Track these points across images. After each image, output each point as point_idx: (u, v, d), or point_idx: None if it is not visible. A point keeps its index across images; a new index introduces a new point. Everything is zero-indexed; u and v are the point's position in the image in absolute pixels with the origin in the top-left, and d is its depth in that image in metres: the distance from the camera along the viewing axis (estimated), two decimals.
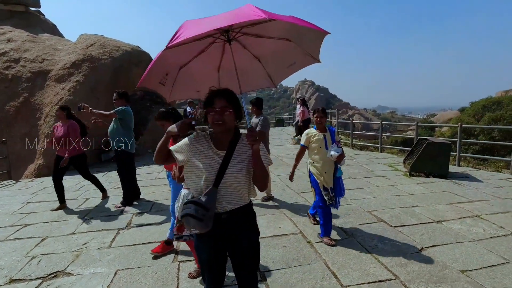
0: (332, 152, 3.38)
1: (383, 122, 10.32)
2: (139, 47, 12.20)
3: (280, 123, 23.20)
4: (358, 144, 11.69)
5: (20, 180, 7.87)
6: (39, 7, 14.68)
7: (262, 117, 4.97)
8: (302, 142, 3.70)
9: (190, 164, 1.62)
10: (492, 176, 6.52)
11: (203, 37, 2.08)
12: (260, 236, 1.78)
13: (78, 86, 9.31)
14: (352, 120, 12.25)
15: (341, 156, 3.39)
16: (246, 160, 1.63)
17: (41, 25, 13.84)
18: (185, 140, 1.66)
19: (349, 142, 11.33)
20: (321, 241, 3.48)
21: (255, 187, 1.70)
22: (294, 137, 12.76)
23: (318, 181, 3.52)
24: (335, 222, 4.05)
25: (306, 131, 3.73)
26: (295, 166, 3.79)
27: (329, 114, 16.99)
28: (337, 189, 3.52)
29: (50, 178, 7.76)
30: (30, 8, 14.08)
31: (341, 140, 11.87)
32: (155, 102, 12.60)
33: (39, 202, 5.65)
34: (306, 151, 3.72)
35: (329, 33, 2.04)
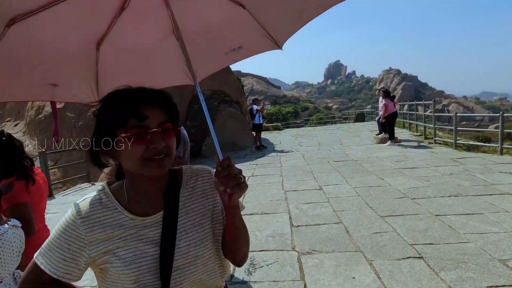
0: None
1: (492, 114, 7.82)
2: None
3: (360, 118, 20.90)
4: (464, 143, 9.24)
5: (95, 183, 8.22)
6: None
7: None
8: None
9: (97, 271, 0.84)
10: None
11: None
12: None
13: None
14: (456, 113, 9.79)
15: None
16: (204, 219, 0.89)
17: None
18: (64, 224, 0.81)
19: (451, 141, 9.00)
20: None
21: (228, 262, 0.96)
22: (377, 135, 10.88)
23: None
24: (442, 275, 2.64)
25: None
26: None
27: (416, 105, 14.42)
28: None
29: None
30: None
31: (437, 138, 9.63)
32: (222, 101, 12.24)
33: None
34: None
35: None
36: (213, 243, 0.88)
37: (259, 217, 4.33)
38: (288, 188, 5.74)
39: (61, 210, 5.64)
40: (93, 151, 0.83)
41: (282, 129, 20.65)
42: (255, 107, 11.09)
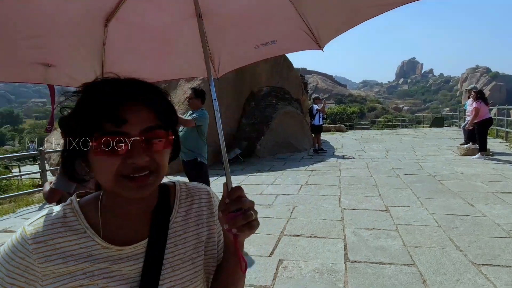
0: None
1: None
2: None
3: (438, 122, 18.32)
4: None
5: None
6: None
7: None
8: None
9: None
10: None
11: None
12: None
13: (203, 84, 9.19)
14: None
15: None
16: (196, 252, 0.73)
17: None
18: (10, 251, 0.60)
19: None
20: None
21: None
22: (462, 144, 9.12)
23: None
24: None
25: None
26: None
27: (507, 109, 11.97)
28: None
29: (171, 177, 7.91)
30: None
31: None
32: (281, 99, 11.58)
33: None
34: None
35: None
36: (203, 284, 0.74)
37: (306, 241, 3.59)
38: (346, 205, 4.85)
39: None
40: (66, 157, 0.63)
41: (345, 131, 19.19)
42: (315, 106, 10.20)
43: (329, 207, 4.79)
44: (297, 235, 3.77)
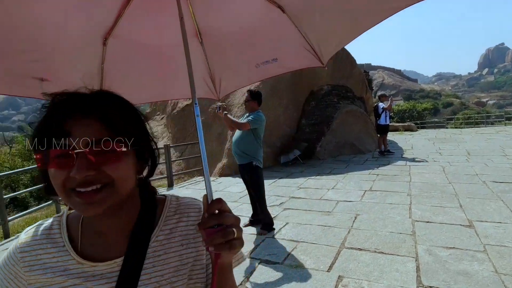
0: None
1: None
2: None
3: None
4: None
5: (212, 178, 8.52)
6: None
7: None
8: None
9: None
10: None
11: None
12: None
13: (261, 85, 9.14)
14: None
15: None
16: (176, 276, 0.67)
17: None
18: (6, 257, 0.67)
19: None
20: None
21: None
22: None
23: None
24: None
25: None
26: None
27: None
28: None
29: (230, 178, 8.03)
30: None
31: None
32: (343, 97, 10.98)
33: None
34: None
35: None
36: None
37: (370, 257, 3.22)
38: (418, 216, 4.28)
39: None
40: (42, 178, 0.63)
41: (416, 130, 17.46)
42: (381, 105, 9.39)
43: (397, 217, 4.27)
44: (360, 249, 3.42)
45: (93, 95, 0.62)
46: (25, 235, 0.66)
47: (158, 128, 14.01)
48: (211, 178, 8.32)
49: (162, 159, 9.62)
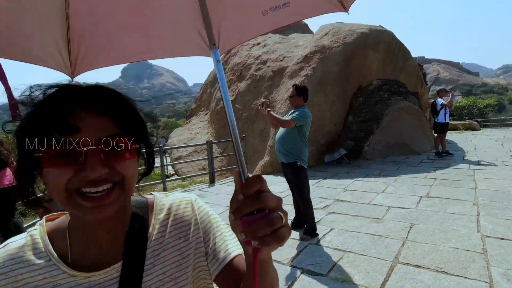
0: None
1: None
2: (381, 27, 10.13)
3: None
4: None
5: (249, 174, 8.37)
6: None
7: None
8: None
9: None
10: None
11: None
12: None
13: (306, 80, 8.77)
14: None
15: None
16: (179, 271, 0.66)
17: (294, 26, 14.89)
18: None
19: None
20: None
21: None
22: None
23: None
24: None
25: None
26: None
27: None
28: None
29: (271, 177, 7.81)
30: None
31: None
32: (395, 93, 10.16)
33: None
34: None
35: None
36: None
37: (430, 277, 2.79)
38: (489, 231, 3.68)
39: (214, 200, 5.83)
40: (20, 173, 0.56)
41: (479, 129, 15.72)
42: (440, 100, 8.48)
43: (462, 231, 3.72)
44: (417, 266, 2.99)
45: (101, 90, 0.57)
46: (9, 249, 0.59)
47: (201, 124, 14.27)
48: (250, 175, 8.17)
49: (204, 154, 9.71)
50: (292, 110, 3.87)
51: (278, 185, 6.53)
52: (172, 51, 1.17)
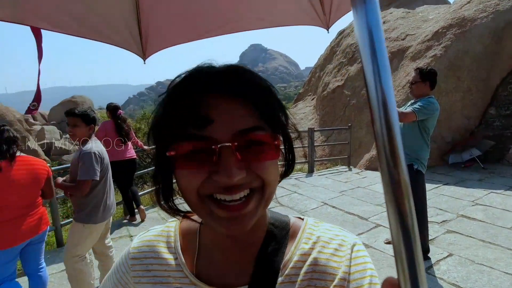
0: None
1: None
2: None
3: None
4: None
5: (352, 168, 7.62)
6: None
7: None
8: None
9: None
10: None
11: None
12: None
13: (433, 62, 7.24)
14: None
15: None
16: None
17: None
18: (119, 262, 0.60)
19: None
20: None
21: None
22: None
23: None
24: None
25: None
26: None
27: None
28: None
29: (377, 173, 6.87)
30: None
31: None
32: None
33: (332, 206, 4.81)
34: None
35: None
36: None
37: None
38: None
39: (309, 192, 5.49)
40: (159, 179, 0.50)
41: None
42: None
43: None
44: None
45: (238, 71, 0.46)
46: (137, 240, 0.59)
47: (306, 109, 13.85)
48: (356, 170, 7.40)
49: (305, 142, 9.35)
50: (413, 100, 3.11)
51: None
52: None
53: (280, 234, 0.55)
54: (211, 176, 0.43)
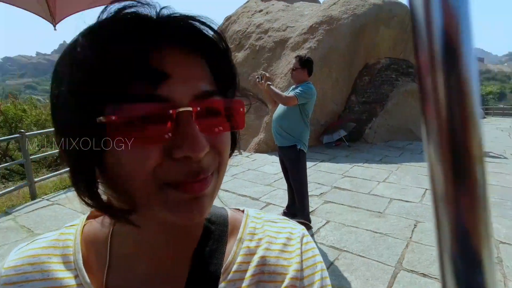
0: None
1: None
2: None
3: None
4: None
5: (242, 152, 7.93)
6: None
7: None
8: None
9: None
10: None
11: None
12: None
13: (309, 53, 8.07)
14: None
15: None
16: None
17: None
18: None
19: None
20: None
21: None
22: None
23: None
24: None
25: None
26: None
27: None
28: None
29: (265, 155, 7.35)
30: None
31: None
32: (403, 74, 9.53)
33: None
34: None
35: None
36: None
37: None
38: (503, 236, 3.28)
39: None
40: (70, 156, 0.34)
41: (484, 118, 15.27)
42: None
43: None
44: (424, 274, 2.61)
45: (185, 17, 0.34)
46: (15, 255, 0.41)
47: None
48: (246, 154, 7.71)
49: None
50: (294, 86, 3.34)
51: (271, 166, 6.10)
52: None
53: (218, 231, 0.45)
54: (172, 151, 0.32)
